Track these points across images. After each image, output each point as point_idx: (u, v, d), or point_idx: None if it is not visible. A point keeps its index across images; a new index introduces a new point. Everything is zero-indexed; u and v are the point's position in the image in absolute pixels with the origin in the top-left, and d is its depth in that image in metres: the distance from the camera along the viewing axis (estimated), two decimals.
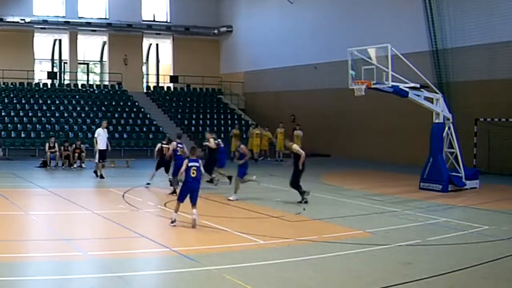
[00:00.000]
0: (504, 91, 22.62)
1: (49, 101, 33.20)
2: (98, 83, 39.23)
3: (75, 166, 23.58)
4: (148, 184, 17.54)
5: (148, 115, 34.10)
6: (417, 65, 17.91)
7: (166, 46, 41.01)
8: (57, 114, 31.95)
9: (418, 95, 17.79)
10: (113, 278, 8.11)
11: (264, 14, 36.36)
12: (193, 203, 11.75)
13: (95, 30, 37.84)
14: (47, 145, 23.98)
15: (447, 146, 18.43)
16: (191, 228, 11.54)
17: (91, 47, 40.32)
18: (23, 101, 32.66)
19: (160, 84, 40.41)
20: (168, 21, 39.64)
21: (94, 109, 33.32)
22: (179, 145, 16.58)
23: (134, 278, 8.33)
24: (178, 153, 16.32)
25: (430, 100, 18.21)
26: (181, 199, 11.89)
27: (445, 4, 24.48)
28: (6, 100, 32.30)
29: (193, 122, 34.68)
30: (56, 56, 38.60)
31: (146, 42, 40.20)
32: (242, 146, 16.09)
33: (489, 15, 23.08)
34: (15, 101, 32.46)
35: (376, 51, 17.40)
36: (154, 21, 39.45)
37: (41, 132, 29.65)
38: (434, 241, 10.91)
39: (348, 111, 29.34)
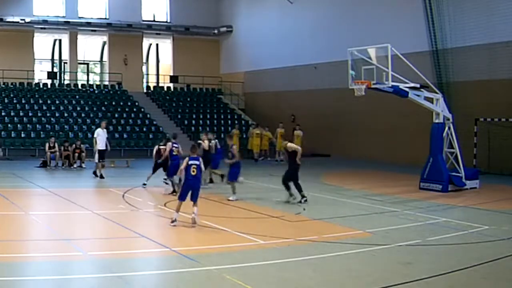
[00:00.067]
0: (504, 91, 22.62)
1: (49, 101, 33.20)
2: (98, 83, 39.23)
3: (75, 166, 23.59)
4: (144, 184, 17.58)
5: (148, 115, 34.10)
6: (417, 65, 17.91)
7: (166, 46, 41.01)
8: (57, 114, 31.96)
9: (418, 95, 17.78)
10: (113, 278, 8.11)
11: (264, 14, 36.36)
12: (194, 201, 11.81)
13: (95, 30, 37.83)
14: (47, 145, 23.98)
15: (447, 146, 18.42)
16: (191, 227, 11.56)
17: (91, 47, 40.32)
18: (23, 101, 32.66)
19: (160, 84, 40.42)
20: (168, 21, 39.65)
21: (94, 109, 33.32)
22: (174, 145, 16.77)
23: (134, 278, 8.33)
24: (174, 153, 16.55)
25: (430, 100, 18.20)
26: (182, 197, 11.95)
27: (445, 4, 24.47)
28: (6, 100, 32.30)
29: (193, 122, 34.68)
30: (56, 56, 38.60)
31: (146, 42, 40.21)
32: (234, 147, 16.13)
33: (489, 15, 23.07)
34: (15, 101, 32.46)
35: (376, 51, 17.40)
36: (154, 21, 39.45)
37: (41, 132, 29.66)
38: (434, 241, 10.91)
39: (348, 111, 29.33)
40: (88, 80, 39.84)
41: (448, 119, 18.30)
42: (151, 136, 31.39)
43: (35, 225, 12.26)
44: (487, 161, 22.60)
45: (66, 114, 32.08)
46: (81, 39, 38.05)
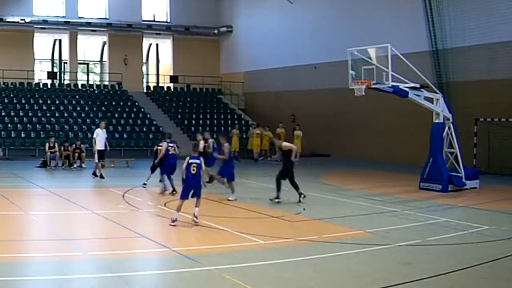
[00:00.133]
0: (504, 91, 22.62)
1: (49, 101, 33.20)
2: (98, 83, 39.23)
3: (75, 166, 23.59)
4: (144, 184, 17.61)
5: (148, 115, 34.10)
6: (417, 65, 17.91)
7: (166, 46, 41.01)
8: (57, 114, 31.95)
9: (418, 95, 17.78)
10: (113, 278, 8.11)
11: (264, 14, 36.36)
12: (197, 198, 11.91)
13: (95, 30, 37.83)
14: (47, 145, 23.98)
15: (447, 146, 18.42)
16: (191, 227, 11.56)
17: (91, 47, 40.33)
18: (23, 101, 32.66)
19: (160, 84, 40.41)
20: (168, 21, 39.64)
21: (94, 109, 33.32)
22: (169, 144, 16.99)
23: (134, 278, 8.32)
24: (170, 153, 16.76)
25: (430, 100, 18.20)
26: (183, 196, 12.02)
27: (445, 4, 24.47)
28: (6, 100, 32.30)
29: (193, 122, 34.68)
30: (56, 56, 38.60)
31: (146, 42, 40.21)
32: (226, 144, 16.19)
33: (489, 15, 23.07)
34: (15, 101, 32.46)
35: (376, 51, 17.40)
36: (154, 21, 39.45)
37: (41, 132, 29.65)
38: (434, 241, 10.91)
39: (348, 111, 29.33)
40: (88, 80, 39.85)
41: (448, 119, 18.30)
42: (151, 136, 31.38)
43: (35, 225, 12.26)
44: (487, 161, 22.60)
45: (66, 114, 32.08)
46: (81, 39, 38.06)
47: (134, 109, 34.61)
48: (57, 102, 33.29)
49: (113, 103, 34.73)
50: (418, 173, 18.53)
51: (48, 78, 36.78)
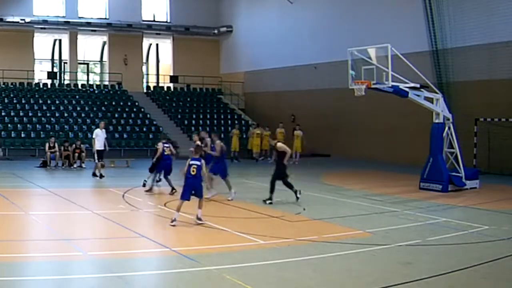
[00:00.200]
0: (504, 91, 22.62)
1: (49, 101, 33.20)
2: (98, 83, 39.23)
3: (75, 166, 23.60)
4: (145, 181, 17.61)
5: (148, 115, 34.10)
6: (417, 65, 17.91)
7: (166, 46, 41.01)
8: (57, 114, 31.95)
9: (418, 95, 17.78)
10: (113, 278, 8.11)
11: (264, 14, 36.36)
12: (199, 198, 11.98)
13: (95, 30, 37.84)
14: (47, 145, 23.99)
15: (447, 146, 18.42)
16: (191, 227, 11.57)
17: (91, 47, 40.33)
18: (23, 101, 32.66)
19: (160, 84, 40.42)
20: (168, 21, 39.65)
21: (94, 109, 33.32)
22: (165, 145, 17.16)
23: (134, 278, 8.33)
24: (166, 153, 16.96)
25: (430, 100, 18.20)
26: (183, 197, 12.06)
27: (445, 4, 24.47)
28: (6, 100, 32.30)
29: (193, 122, 34.67)
30: (56, 56, 38.60)
31: (146, 42, 40.21)
32: (217, 141, 16.21)
33: (489, 15, 23.07)
34: (15, 101, 32.46)
35: (376, 51, 17.40)
36: (154, 21, 39.45)
37: (41, 132, 29.66)
38: (434, 241, 10.91)
39: (348, 111, 29.33)
40: (88, 80, 39.85)
41: (448, 119, 18.30)
42: (151, 136, 31.37)
43: (35, 225, 12.26)
44: (487, 161, 22.60)
45: (66, 114, 32.08)
46: (81, 39, 38.06)
47: (134, 109, 34.61)
48: (57, 102, 33.29)
49: (113, 103, 34.73)
50: (418, 173, 18.53)
51: (48, 78, 36.78)
